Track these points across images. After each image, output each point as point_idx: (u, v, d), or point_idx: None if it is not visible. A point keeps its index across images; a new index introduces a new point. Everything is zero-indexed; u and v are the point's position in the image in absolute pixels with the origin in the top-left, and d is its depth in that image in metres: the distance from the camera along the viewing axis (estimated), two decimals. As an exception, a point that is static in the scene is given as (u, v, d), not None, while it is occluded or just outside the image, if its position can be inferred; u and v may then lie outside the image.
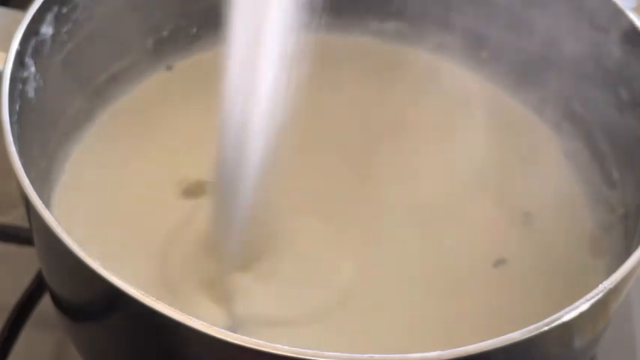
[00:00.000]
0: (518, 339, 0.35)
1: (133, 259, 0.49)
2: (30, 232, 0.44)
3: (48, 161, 0.51)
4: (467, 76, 0.60)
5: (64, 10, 0.50)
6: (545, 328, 0.36)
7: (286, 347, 0.34)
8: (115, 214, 0.52)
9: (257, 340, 0.34)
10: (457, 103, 0.58)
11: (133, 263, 0.49)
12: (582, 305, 0.37)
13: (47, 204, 0.48)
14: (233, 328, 0.46)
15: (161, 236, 0.51)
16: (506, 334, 0.35)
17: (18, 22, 0.47)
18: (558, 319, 0.36)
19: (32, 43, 0.47)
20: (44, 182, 0.50)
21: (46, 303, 0.51)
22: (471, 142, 0.56)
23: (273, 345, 0.34)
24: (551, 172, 0.56)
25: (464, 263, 0.50)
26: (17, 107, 0.45)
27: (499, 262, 0.51)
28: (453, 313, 0.48)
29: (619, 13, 0.50)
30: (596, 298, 0.37)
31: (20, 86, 0.46)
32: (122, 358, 0.44)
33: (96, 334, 0.44)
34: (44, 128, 0.50)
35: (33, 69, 0.47)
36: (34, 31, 0.48)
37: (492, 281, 0.50)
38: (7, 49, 0.46)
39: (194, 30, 0.60)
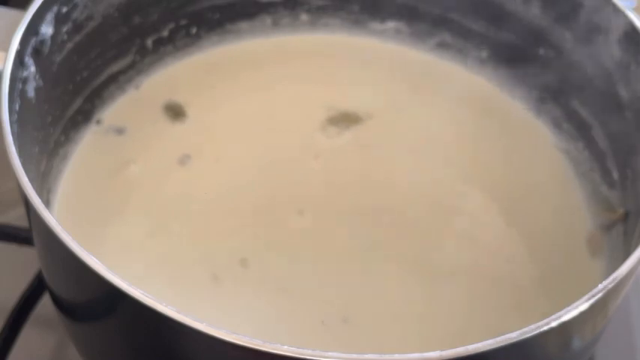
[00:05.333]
0: (518, 339, 0.35)
1: None
2: (30, 232, 0.44)
3: (48, 161, 0.51)
4: (467, 76, 0.60)
5: (64, 10, 0.50)
6: (545, 328, 0.36)
7: (286, 347, 0.34)
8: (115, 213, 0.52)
9: (257, 340, 0.34)
10: (457, 103, 0.58)
11: None
12: (582, 305, 0.37)
13: (47, 204, 0.48)
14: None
15: None
16: (504, 334, 0.35)
17: (18, 22, 0.47)
18: (558, 318, 0.36)
19: (32, 43, 0.47)
20: (44, 182, 0.50)
21: (46, 303, 0.51)
22: (471, 142, 0.56)
23: (273, 345, 0.34)
24: (550, 172, 0.56)
25: (462, 262, 0.50)
26: (17, 107, 0.45)
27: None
28: (455, 312, 0.48)
29: (619, 13, 0.50)
30: (595, 298, 0.37)
31: (20, 86, 0.46)
32: (122, 358, 0.44)
33: (96, 334, 0.44)
34: (44, 128, 0.50)
35: (33, 69, 0.47)
36: (34, 31, 0.48)
37: (492, 281, 0.50)
38: (7, 49, 0.46)
39: (194, 30, 0.60)
